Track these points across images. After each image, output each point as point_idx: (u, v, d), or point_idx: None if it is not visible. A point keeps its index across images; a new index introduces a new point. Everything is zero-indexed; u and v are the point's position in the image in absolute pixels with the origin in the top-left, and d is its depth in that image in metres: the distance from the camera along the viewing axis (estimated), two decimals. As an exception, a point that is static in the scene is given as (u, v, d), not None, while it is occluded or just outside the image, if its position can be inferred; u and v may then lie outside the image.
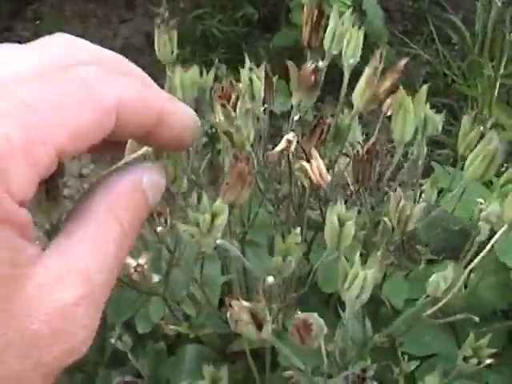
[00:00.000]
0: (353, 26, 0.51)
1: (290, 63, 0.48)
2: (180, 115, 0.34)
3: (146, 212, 0.32)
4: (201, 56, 1.81)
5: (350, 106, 0.56)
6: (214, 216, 0.35)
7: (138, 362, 0.76)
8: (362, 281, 0.41)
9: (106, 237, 0.30)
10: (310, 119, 0.53)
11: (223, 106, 0.41)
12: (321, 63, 0.48)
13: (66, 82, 0.29)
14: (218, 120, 0.42)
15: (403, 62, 0.48)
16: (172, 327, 0.72)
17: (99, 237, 0.30)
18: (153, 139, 0.33)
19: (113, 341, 0.72)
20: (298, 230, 0.48)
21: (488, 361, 0.49)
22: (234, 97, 0.44)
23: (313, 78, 0.48)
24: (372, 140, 0.51)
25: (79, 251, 0.29)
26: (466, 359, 0.50)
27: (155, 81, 0.42)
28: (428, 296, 0.50)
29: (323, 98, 0.60)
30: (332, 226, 0.42)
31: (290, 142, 0.48)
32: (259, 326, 0.41)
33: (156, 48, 0.56)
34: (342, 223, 0.42)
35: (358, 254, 0.42)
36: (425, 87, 0.50)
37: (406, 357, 0.58)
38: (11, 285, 0.26)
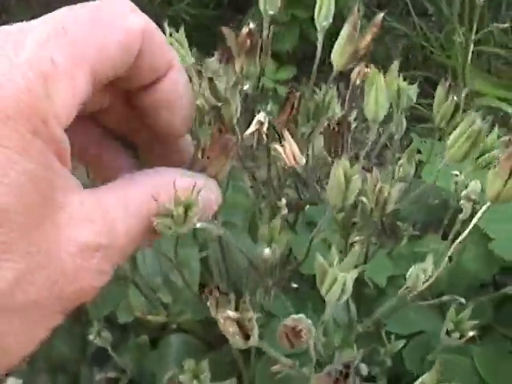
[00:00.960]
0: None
1: (225, 29, 0.48)
2: (183, 75, 0.36)
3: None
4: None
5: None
6: (187, 208, 0.33)
7: (121, 358, 0.76)
8: (342, 285, 0.41)
9: (141, 209, 0.31)
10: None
11: (210, 80, 0.40)
12: (251, 25, 0.48)
13: (99, 8, 0.31)
14: (204, 95, 0.41)
15: (380, 15, 0.48)
16: (150, 317, 0.71)
17: (136, 204, 0.31)
18: (156, 91, 0.34)
19: (91, 337, 0.71)
20: (284, 201, 0.47)
21: (471, 333, 0.49)
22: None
23: (248, 41, 0.48)
24: (344, 112, 0.51)
25: (115, 205, 0.30)
26: (448, 333, 0.50)
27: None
28: (407, 288, 0.49)
29: (300, 79, 0.59)
30: (338, 181, 0.42)
31: (261, 123, 0.47)
32: (246, 336, 0.41)
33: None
34: (347, 179, 0.42)
35: (335, 253, 0.41)
36: (396, 63, 0.50)
37: (393, 336, 0.58)
38: (47, 205, 0.27)
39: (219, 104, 0.41)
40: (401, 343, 0.57)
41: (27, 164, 0.26)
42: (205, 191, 0.34)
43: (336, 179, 0.42)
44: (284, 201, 0.51)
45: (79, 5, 0.31)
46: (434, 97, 0.51)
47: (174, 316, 0.75)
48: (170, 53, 0.34)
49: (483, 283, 0.67)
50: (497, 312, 0.66)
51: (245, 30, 0.47)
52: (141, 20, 0.32)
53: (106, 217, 0.29)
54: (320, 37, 0.51)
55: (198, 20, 1.85)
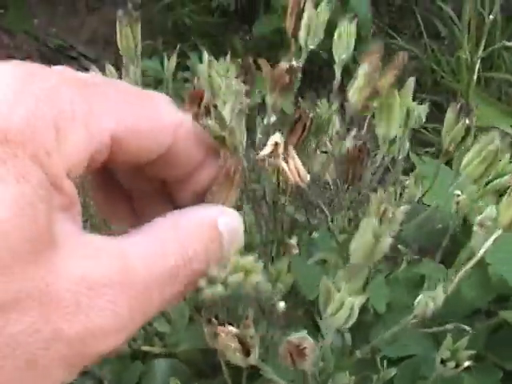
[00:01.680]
0: (337, 18, 0.51)
1: (262, 61, 0.47)
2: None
3: (219, 253, 0.31)
4: (174, 48, 1.81)
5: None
6: (247, 273, 0.32)
7: (100, 369, 0.76)
8: (349, 310, 0.40)
9: (166, 249, 0.29)
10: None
11: (215, 106, 0.40)
12: (294, 63, 0.48)
13: (138, 90, 0.32)
14: (208, 123, 0.41)
15: (403, 55, 0.48)
16: (145, 348, 0.71)
17: (159, 248, 0.29)
18: (192, 183, 0.35)
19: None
20: (295, 239, 0.47)
21: (466, 363, 0.49)
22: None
23: (287, 77, 0.47)
24: (362, 139, 0.51)
25: (131, 248, 0.28)
26: (443, 362, 0.50)
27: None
28: (415, 316, 0.49)
29: (303, 92, 0.60)
30: (367, 241, 0.41)
31: (277, 144, 0.46)
32: (247, 353, 0.41)
33: (118, 41, 0.54)
34: (376, 238, 0.40)
35: (342, 276, 0.40)
36: (412, 79, 0.50)
37: (385, 362, 0.58)
38: (43, 239, 0.25)
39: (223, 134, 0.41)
40: (393, 371, 0.57)
41: (25, 190, 0.25)
42: (229, 222, 0.33)
43: (363, 240, 0.41)
44: (295, 239, 0.51)
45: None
46: (440, 121, 0.52)
47: (170, 346, 0.75)
48: (205, 145, 0.35)
49: (476, 310, 0.67)
50: (489, 340, 0.66)
51: (285, 65, 0.47)
52: (176, 116, 0.32)
53: (122, 257, 0.28)
54: (338, 71, 0.51)
55: (202, 28, 1.86)
